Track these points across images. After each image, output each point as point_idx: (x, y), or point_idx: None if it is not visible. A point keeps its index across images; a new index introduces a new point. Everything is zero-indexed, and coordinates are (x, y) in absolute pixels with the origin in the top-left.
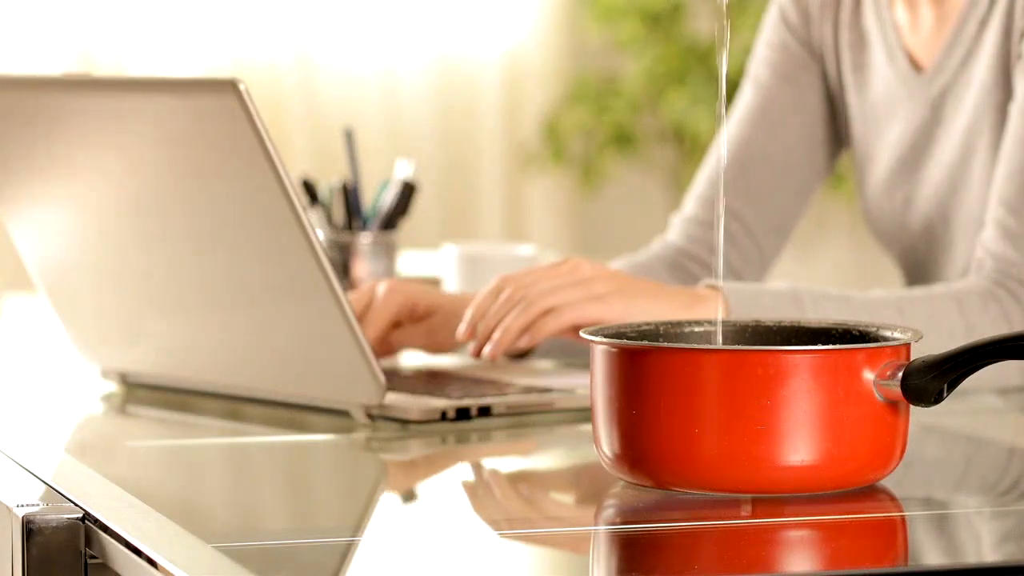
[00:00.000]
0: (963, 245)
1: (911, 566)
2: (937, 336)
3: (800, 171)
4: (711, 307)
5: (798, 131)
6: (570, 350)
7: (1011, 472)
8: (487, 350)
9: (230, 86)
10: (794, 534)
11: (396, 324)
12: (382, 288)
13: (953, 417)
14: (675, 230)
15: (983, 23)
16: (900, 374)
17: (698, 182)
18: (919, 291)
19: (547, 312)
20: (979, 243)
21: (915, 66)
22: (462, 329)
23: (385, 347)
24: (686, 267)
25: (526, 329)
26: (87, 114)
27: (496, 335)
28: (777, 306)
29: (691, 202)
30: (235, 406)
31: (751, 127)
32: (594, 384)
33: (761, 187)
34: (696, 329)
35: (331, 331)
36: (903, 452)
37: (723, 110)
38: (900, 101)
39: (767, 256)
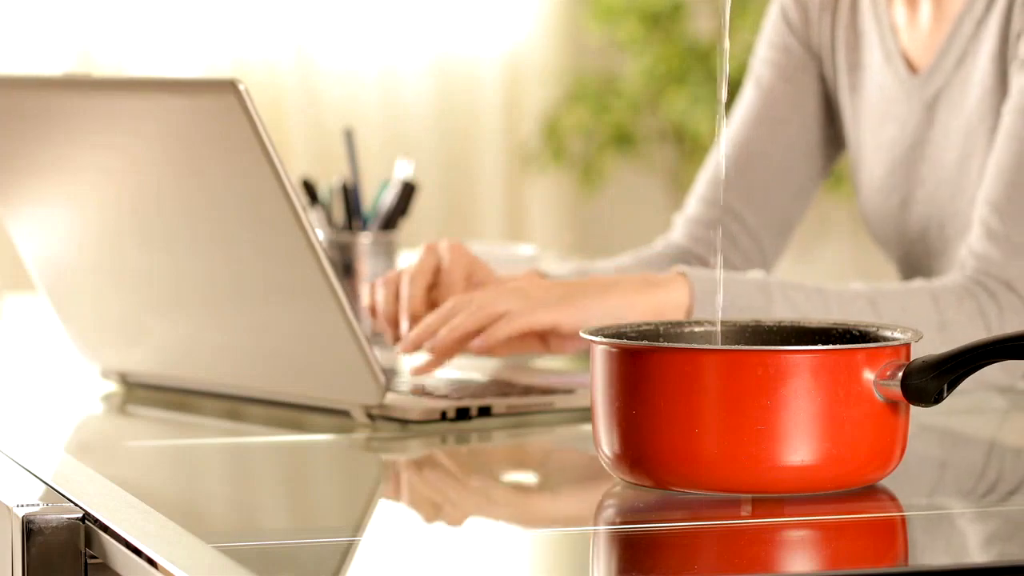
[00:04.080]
0: (960, 248)
1: (911, 566)
2: None
3: (801, 171)
4: (671, 291)
5: (798, 131)
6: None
7: (1010, 471)
8: (429, 344)
9: (230, 86)
10: (794, 534)
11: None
12: (445, 246)
13: (953, 417)
14: (678, 230)
15: (980, 25)
16: (900, 374)
17: (700, 183)
18: (895, 285)
19: (500, 317)
20: (964, 243)
21: (911, 67)
22: (405, 343)
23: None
24: (690, 265)
25: (477, 332)
26: (87, 114)
27: (442, 332)
28: (744, 294)
29: (693, 202)
30: (235, 406)
31: (752, 127)
32: (594, 384)
33: (762, 187)
34: (696, 329)
35: (331, 331)
36: (903, 452)
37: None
38: (895, 102)
39: (768, 256)
